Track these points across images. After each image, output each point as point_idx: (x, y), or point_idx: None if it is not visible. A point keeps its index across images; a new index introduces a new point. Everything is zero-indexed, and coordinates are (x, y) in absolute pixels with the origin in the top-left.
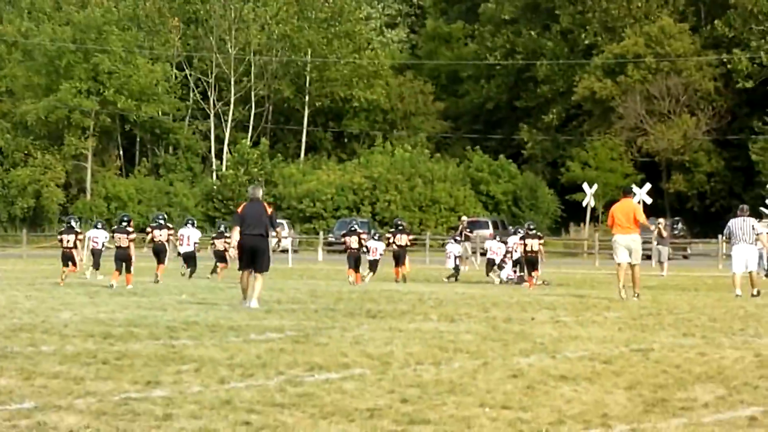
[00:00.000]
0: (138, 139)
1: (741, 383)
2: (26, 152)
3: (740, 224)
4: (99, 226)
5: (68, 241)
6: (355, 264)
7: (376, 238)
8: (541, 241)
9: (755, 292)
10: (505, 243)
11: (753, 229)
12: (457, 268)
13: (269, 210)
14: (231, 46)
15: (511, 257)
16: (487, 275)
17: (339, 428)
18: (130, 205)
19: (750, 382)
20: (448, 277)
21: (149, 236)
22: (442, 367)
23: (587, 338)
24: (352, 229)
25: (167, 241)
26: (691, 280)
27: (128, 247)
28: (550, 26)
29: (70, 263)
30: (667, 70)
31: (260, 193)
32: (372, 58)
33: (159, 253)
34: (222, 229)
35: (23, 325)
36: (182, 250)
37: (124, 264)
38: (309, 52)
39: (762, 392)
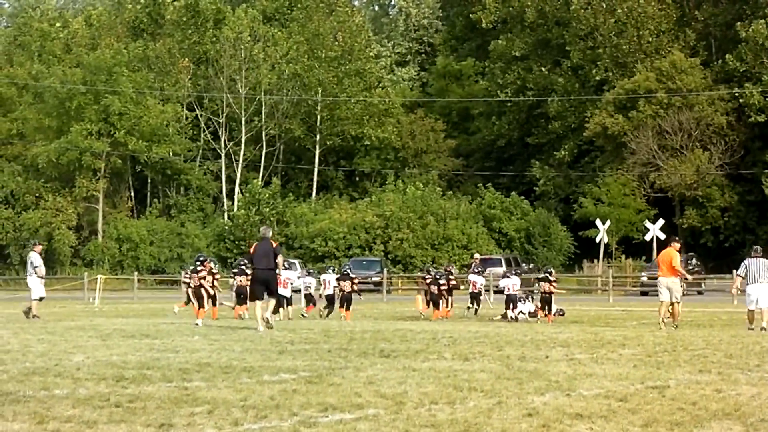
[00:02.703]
0: (149, 180)
1: (758, 420)
2: (37, 195)
3: (755, 264)
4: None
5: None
6: (346, 305)
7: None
8: (553, 283)
9: (765, 326)
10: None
11: None
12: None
13: (275, 244)
14: (241, 86)
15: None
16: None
17: None
18: (142, 246)
19: (767, 418)
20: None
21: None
22: (456, 407)
23: (602, 376)
24: (345, 273)
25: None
26: (706, 316)
27: (200, 285)
28: (561, 62)
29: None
30: (678, 105)
31: (269, 233)
32: (383, 96)
33: (240, 294)
34: (243, 266)
35: (36, 368)
36: (325, 293)
37: (198, 301)
38: (319, 91)
39: None
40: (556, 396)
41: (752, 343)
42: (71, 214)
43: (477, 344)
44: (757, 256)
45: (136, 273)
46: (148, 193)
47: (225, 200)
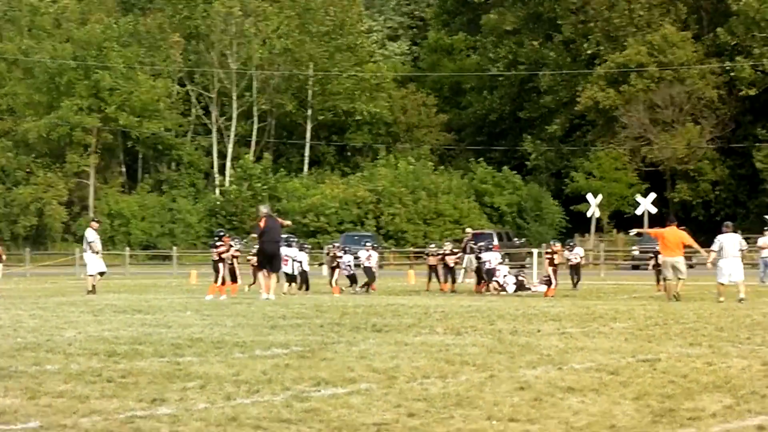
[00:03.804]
0: (140, 156)
1: (748, 392)
2: (28, 170)
3: (728, 239)
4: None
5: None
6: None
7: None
8: (547, 254)
9: (742, 296)
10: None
11: (739, 243)
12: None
13: (281, 221)
14: (232, 61)
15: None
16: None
17: None
18: (134, 222)
19: (757, 390)
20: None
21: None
22: (448, 381)
23: (594, 349)
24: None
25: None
26: (696, 289)
27: (218, 260)
28: (553, 36)
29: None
30: (670, 79)
31: (270, 209)
32: (374, 71)
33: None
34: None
35: (27, 344)
36: (363, 266)
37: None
38: (311, 66)
39: None
40: (547, 369)
41: (742, 316)
42: (62, 189)
43: (469, 318)
44: (728, 231)
45: (127, 248)
46: (140, 169)
47: (216, 175)
